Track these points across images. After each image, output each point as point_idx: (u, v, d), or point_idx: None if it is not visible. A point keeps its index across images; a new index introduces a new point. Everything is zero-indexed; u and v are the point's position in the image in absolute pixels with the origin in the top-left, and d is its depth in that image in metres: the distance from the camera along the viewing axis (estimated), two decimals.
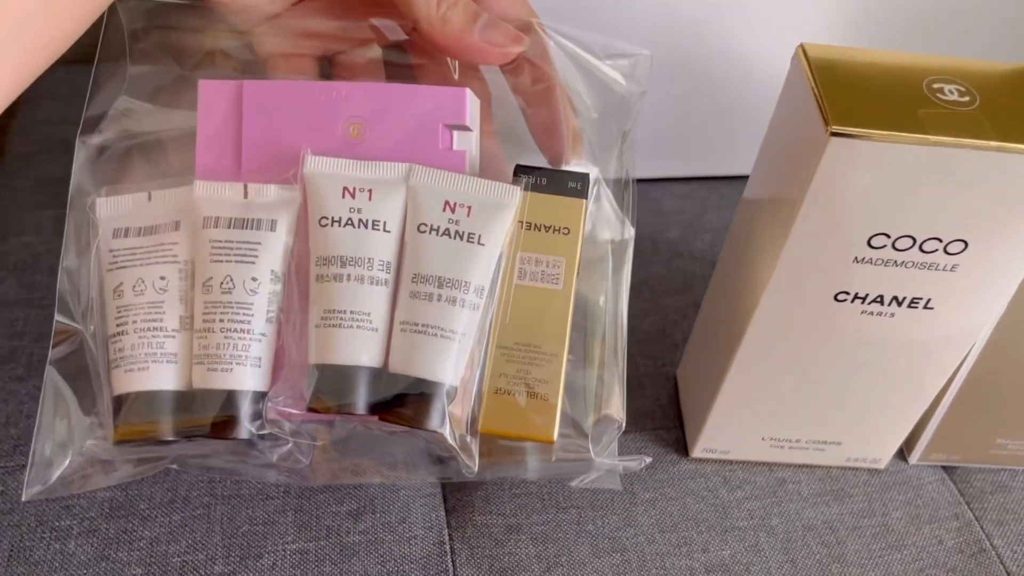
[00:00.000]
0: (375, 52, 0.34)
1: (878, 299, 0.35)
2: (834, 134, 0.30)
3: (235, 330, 0.30)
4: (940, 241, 0.33)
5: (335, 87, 0.31)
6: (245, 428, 0.31)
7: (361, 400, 0.30)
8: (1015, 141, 0.30)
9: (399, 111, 0.31)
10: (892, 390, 0.40)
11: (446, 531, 0.41)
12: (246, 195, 0.31)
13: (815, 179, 0.31)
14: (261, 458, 0.33)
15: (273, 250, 0.31)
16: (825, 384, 0.40)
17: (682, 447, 0.45)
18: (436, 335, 0.30)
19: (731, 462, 0.45)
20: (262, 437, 0.32)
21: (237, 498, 0.41)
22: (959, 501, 0.44)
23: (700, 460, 0.45)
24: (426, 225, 0.31)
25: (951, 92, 0.32)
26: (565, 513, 0.42)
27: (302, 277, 0.31)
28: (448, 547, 0.41)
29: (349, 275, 0.30)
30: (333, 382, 0.30)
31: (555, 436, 0.32)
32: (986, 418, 0.42)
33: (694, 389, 0.44)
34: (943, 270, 0.34)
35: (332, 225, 0.30)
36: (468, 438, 0.32)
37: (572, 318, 0.32)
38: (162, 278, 0.31)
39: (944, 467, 0.45)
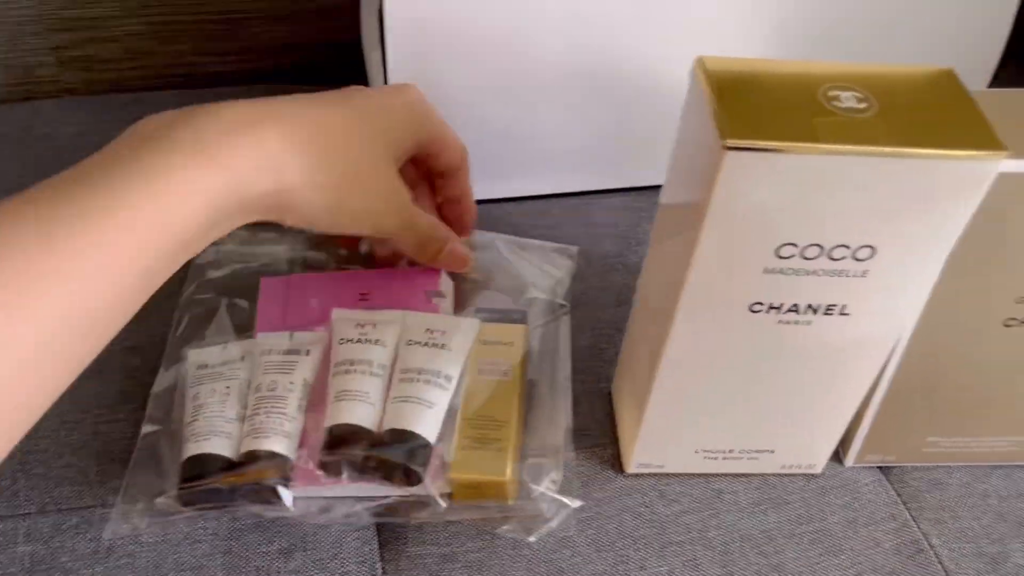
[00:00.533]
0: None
1: (793, 308, 0.35)
2: (729, 148, 0.30)
3: (275, 412, 0.41)
4: (848, 248, 0.33)
5: (353, 274, 0.49)
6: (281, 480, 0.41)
7: (364, 447, 0.41)
8: (911, 145, 0.30)
9: (396, 284, 0.48)
10: (817, 397, 0.40)
11: (379, 564, 0.41)
12: (291, 338, 0.45)
13: (715, 192, 0.31)
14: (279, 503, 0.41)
15: (305, 366, 0.44)
16: (751, 394, 0.39)
17: (618, 463, 0.45)
18: (415, 402, 0.41)
19: (667, 475, 0.44)
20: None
21: (164, 543, 0.40)
22: (896, 502, 0.44)
23: (636, 476, 0.44)
24: (412, 341, 0.44)
25: (848, 99, 0.31)
26: (499, 539, 0.41)
27: (322, 386, 0.44)
28: None
29: (356, 369, 0.43)
30: (340, 436, 0.41)
31: (507, 476, 0.41)
32: (917, 417, 0.43)
33: (626, 404, 0.44)
34: (854, 276, 0.34)
35: (346, 343, 0.44)
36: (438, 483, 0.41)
37: (520, 395, 0.44)
38: (227, 388, 0.43)
39: (880, 468, 0.45)
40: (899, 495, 0.45)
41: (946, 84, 0.33)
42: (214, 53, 0.64)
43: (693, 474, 0.44)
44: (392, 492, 0.41)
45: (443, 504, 0.41)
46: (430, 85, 0.46)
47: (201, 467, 0.40)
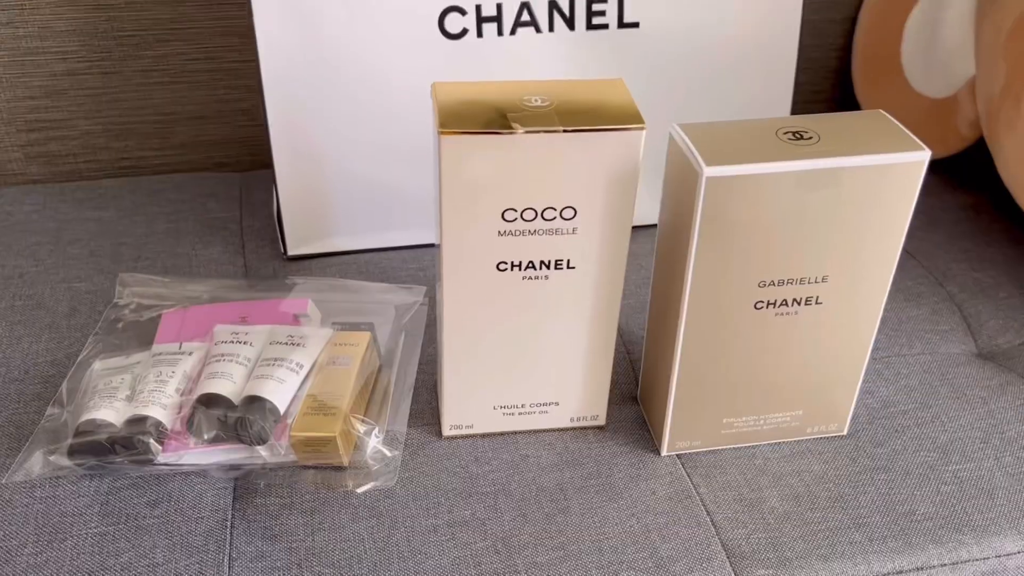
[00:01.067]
0: None
1: (531, 265, 0.46)
2: (443, 133, 0.41)
3: (156, 390, 0.52)
4: (555, 210, 0.44)
5: (238, 304, 0.60)
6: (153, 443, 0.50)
7: (222, 408, 0.51)
8: (572, 126, 0.41)
9: (271, 308, 0.59)
10: (574, 347, 0.49)
11: (230, 511, 0.49)
12: (180, 346, 0.55)
13: (442, 171, 0.42)
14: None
15: (186, 362, 0.54)
16: (519, 348, 0.49)
17: (439, 429, 0.54)
18: (269, 378, 0.51)
19: (480, 438, 0.53)
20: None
21: (53, 498, 0.49)
22: (675, 461, 0.52)
23: (452, 438, 0.53)
24: (276, 341, 0.54)
25: (536, 100, 0.43)
26: (333, 492, 0.50)
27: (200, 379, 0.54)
28: (229, 523, 0.48)
29: (225, 358, 0.53)
30: (205, 401, 0.51)
31: (336, 432, 0.49)
32: (708, 402, 0.51)
33: (439, 369, 0.53)
34: (568, 234, 0.45)
35: (220, 343, 0.55)
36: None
37: (357, 380, 0.53)
38: (122, 378, 0.53)
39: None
40: (679, 457, 0.53)
41: (613, 88, 0.45)
42: (155, 148, 0.78)
43: (501, 432, 0.53)
44: (247, 455, 0.50)
45: (283, 451, 0.49)
46: (312, 141, 0.58)
47: (89, 427, 0.50)
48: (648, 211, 0.70)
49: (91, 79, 0.74)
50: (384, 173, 0.65)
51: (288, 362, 0.53)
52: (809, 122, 0.46)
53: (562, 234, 0.45)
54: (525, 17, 0.62)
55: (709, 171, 0.42)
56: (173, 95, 0.76)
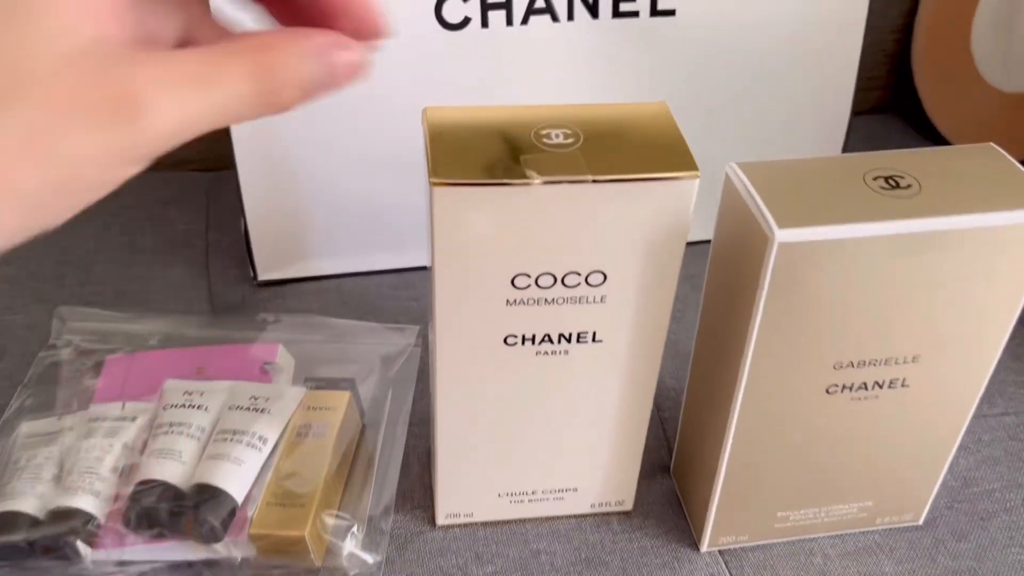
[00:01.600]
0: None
1: (547, 338, 0.36)
2: (435, 184, 0.31)
3: (87, 472, 0.42)
4: (579, 275, 0.34)
5: (194, 350, 0.50)
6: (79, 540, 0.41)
7: (167, 501, 0.41)
8: (605, 174, 0.31)
9: (233, 358, 0.49)
10: (597, 427, 0.40)
11: None
12: (123, 407, 0.46)
13: (435, 228, 0.33)
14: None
15: (127, 432, 0.45)
16: (531, 431, 0.40)
17: (432, 514, 0.44)
18: (224, 460, 0.42)
19: (482, 528, 0.44)
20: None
21: None
22: (718, 560, 0.43)
23: (448, 527, 0.44)
24: (235, 405, 0.45)
25: (556, 136, 0.33)
26: None
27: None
28: None
29: (173, 430, 0.44)
30: (146, 491, 0.42)
31: (306, 532, 0.40)
32: (760, 494, 0.42)
33: (434, 455, 0.44)
34: (595, 303, 0.35)
35: (170, 408, 0.45)
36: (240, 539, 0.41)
37: (334, 456, 0.44)
38: (49, 452, 0.44)
39: None
40: (721, 554, 0.44)
41: (655, 117, 0.35)
42: None
43: (507, 521, 0.44)
44: (195, 552, 0.41)
45: (239, 557, 0.41)
46: (284, 147, 0.48)
47: (5, 522, 0.41)
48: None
49: None
50: (369, 185, 0.55)
51: (249, 436, 0.43)
52: (905, 163, 0.36)
53: (588, 303, 0.35)
54: (540, 3, 0.51)
55: (782, 235, 0.32)
56: None
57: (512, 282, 0.34)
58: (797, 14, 0.55)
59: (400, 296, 0.57)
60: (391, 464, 0.46)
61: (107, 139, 0.21)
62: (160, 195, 0.65)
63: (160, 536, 0.41)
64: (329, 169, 0.54)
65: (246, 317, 0.53)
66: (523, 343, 0.36)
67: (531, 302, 0.35)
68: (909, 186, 0.34)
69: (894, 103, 0.77)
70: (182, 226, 0.63)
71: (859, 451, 0.41)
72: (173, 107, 0.21)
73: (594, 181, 0.32)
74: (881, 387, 0.38)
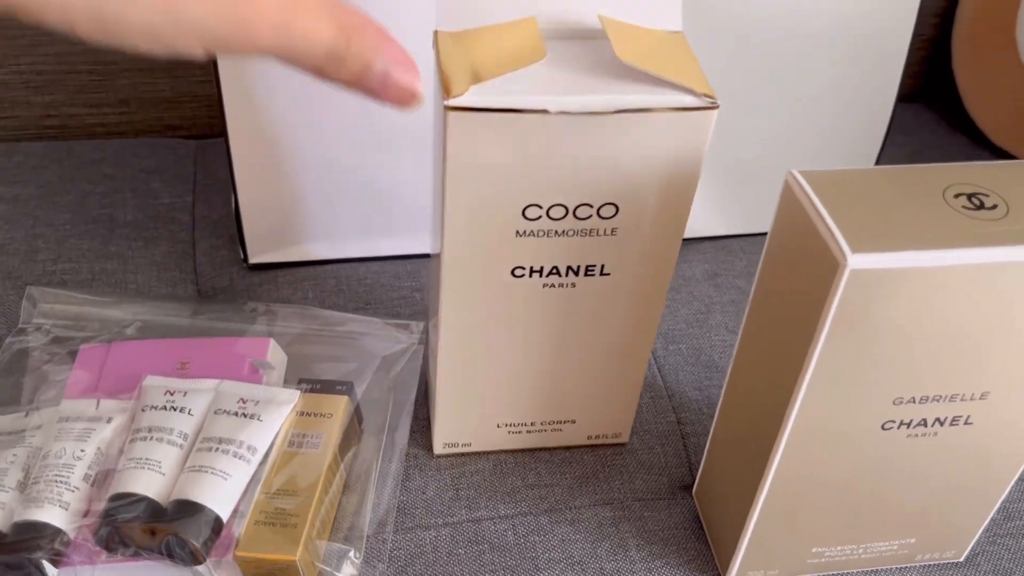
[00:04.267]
0: None
1: (554, 271, 0.36)
2: (449, 109, 0.31)
3: (56, 481, 0.38)
4: (591, 207, 0.34)
5: (178, 342, 0.45)
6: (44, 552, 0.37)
7: (144, 518, 0.37)
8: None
9: (220, 353, 0.44)
10: (601, 363, 0.41)
11: None
12: (97, 406, 0.42)
13: (448, 153, 0.32)
14: None
15: (101, 435, 0.40)
16: (536, 362, 0.40)
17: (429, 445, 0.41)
18: (209, 472, 0.38)
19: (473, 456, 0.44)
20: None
21: None
22: None
23: (444, 456, 0.45)
24: (221, 410, 0.41)
25: None
26: None
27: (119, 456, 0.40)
28: None
29: (153, 436, 0.40)
30: (121, 506, 0.37)
31: (297, 556, 0.37)
32: (797, 529, 0.38)
33: (431, 384, 0.45)
34: (605, 235, 0.35)
35: (149, 410, 0.41)
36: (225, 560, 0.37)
37: (330, 469, 0.40)
38: (14, 456, 0.40)
39: None
40: None
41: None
42: (89, 105, 0.62)
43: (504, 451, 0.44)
44: (174, 574, 0.38)
45: (225, 572, 0.37)
46: (278, 120, 0.43)
47: None
48: (705, 223, 0.56)
49: None
50: (370, 163, 0.51)
51: (236, 445, 0.39)
52: (987, 178, 0.32)
53: (598, 236, 0.35)
54: None
55: (856, 260, 0.28)
56: None
57: (523, 213, 0.34)
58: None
59: (403, 286, 0.53)
60: (391, 476, 0.42)
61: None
62: (144, 163, 0.60)
63: (135, 556, 0.38)
64: (327, 144, 0.49)
65: (235, 305, 0.49)
66: (530, 275, 0.36)
67: (541, 234, 0.35)
68: (995, 206, 0.31)
69: (925, 91, 0.72)
70: (167, 199, 0.58)
71: (909, 488, 0.37)
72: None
73: (613, 112, 0.31)
74: (943, 424, 0.34)
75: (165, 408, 0.41)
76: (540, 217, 0.34)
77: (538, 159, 0.32)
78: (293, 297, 0.52)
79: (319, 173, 0.50)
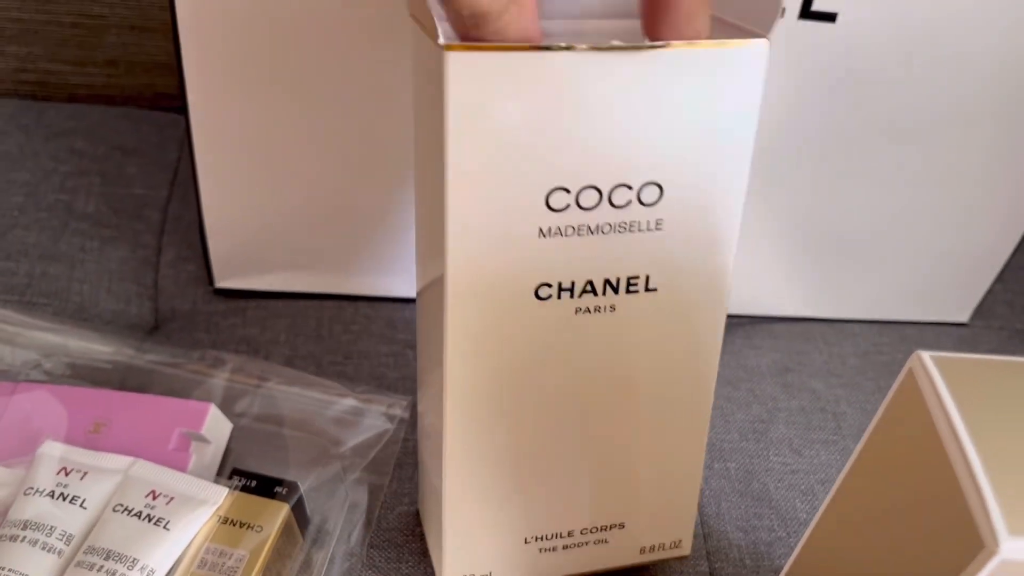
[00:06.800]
0: None
1: (588, 288, 0.28)
2: (448, 48, 0.23)
3: None
4: (630, 188, 0.27)
5: (94, 394, 0.37)
6: None
7: None
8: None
9: (148, 415, 0.36)
10: (654, 428, 0.31)
11: None
12: None
13: (448, 112, 0.24)
14: None
15: None
16: (571, 436, 0.31)
17: None
18: None
19: None
20: None
21: None
22: None
23: None
24: (122, 506, 0.32)
25: None
26: None
27: None
28: None
29: (26, 537, 0.31)
30: None
31: None
32: None
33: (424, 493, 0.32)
34: (647, 231, 0.28)
35: (33, 495, 0.33)
36: None
37: None
38: None
39: None
40: None
41: None
42: (71, 61, 0.53)
43: None
44: None
45: None
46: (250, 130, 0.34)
47: None
48: (779, 299, 0.45)
49: None
50: (358, 188, 0.41)
51: (127, 563, 0.30)
52: None
53: (640, 231, 0.28)
54: None
55: (1010, 548, 0.18)
56: None
57: (547, 202, 0.26)
58: (979, 31, 0.38)
59: (396, 339, 0.43)
60: None
61: None
62: (123, 140, 0.51)
63: None
64: (307, 161, 0.40)
65: (184, 346, 0.40)
66: (559, 295, 0.28)
67: (570, 232, 0.27)
68: None
69: None
70: (139, 189, 0.49)
71: None
72: None
73: (650, 47, 0.25)
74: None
75: (53, 495, 0.32)
76: (568, 207, 0.27)
77: (564, 120, 0.25)
78: (260, 338, 0.42)
79: (302, 186, 0.41)
